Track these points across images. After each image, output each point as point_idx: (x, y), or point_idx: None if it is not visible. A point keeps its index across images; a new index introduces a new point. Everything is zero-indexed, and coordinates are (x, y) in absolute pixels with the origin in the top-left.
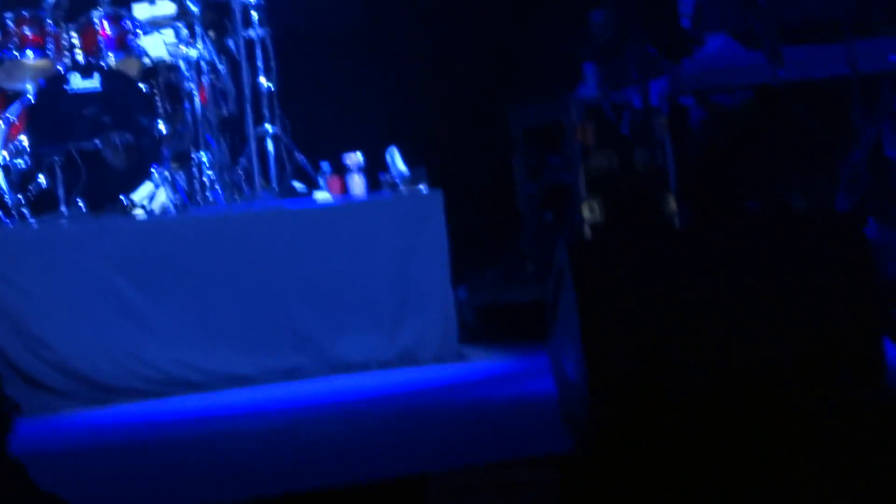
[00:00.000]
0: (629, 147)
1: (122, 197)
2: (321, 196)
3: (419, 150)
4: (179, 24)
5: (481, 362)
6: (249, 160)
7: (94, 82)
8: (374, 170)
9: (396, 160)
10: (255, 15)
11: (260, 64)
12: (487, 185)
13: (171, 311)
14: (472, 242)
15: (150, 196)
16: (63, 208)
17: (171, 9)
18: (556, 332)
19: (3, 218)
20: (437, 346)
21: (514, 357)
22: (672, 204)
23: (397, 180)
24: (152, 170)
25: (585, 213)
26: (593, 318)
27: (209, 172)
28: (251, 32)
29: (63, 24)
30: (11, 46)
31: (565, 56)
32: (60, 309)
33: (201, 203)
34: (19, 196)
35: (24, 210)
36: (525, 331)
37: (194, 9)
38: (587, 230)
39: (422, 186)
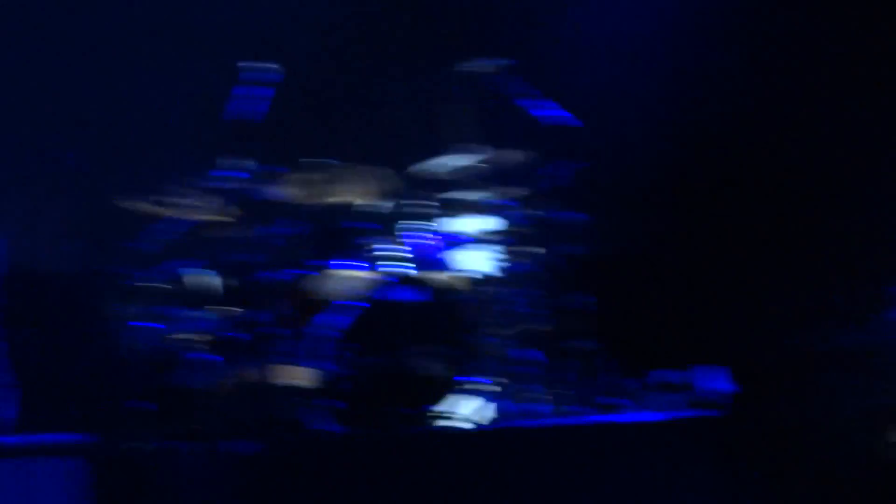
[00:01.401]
0: None
1: (440, 408)
2: (634, 409)
3: (738, 367)
4: (502, 240)
5: None
6: (570, 374)
7: (414, 293)
8: (687, 388)
9: (710, 379)
10: (574, 232)
11: (578, 279)
12: (804, 404)
13: None
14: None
15: (468, 407)
16: (383, 417)
17: (491, 224)
18: None
19: (323, 425)
20: None
21: None
22: None
23: (714, 396)
24: (470, 381)
25: None
26: None
27: (527, 385)
28: (571, 249)
29: (387, 236)
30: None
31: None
32: None
33: (524, 416)
34: (340, 404)
35: (344, 417)
36: None
37: (517, 226)
38: None
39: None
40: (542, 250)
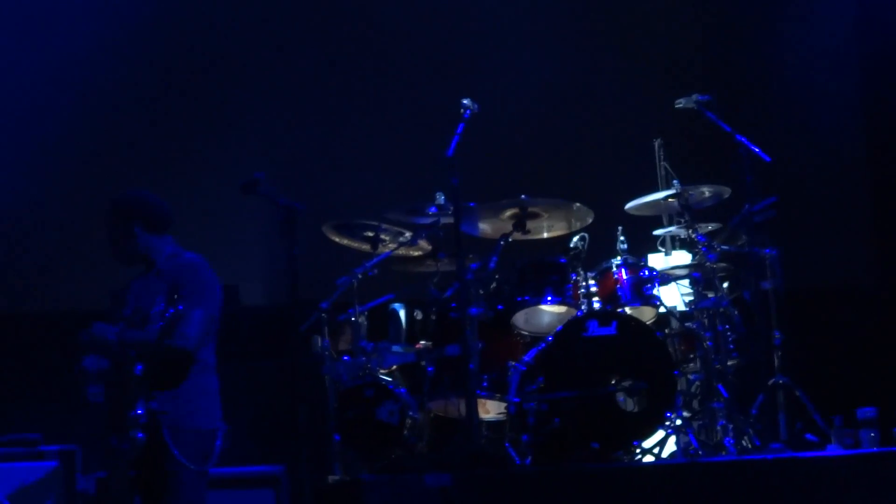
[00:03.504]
0: None
1: (634, 443)
2: (826, 446)
3: None
4: (695, 274)
5: None
6: (761, 411)
7: (609, 328)
8: (888, 425)
9: None
10: (769, 268)
11: (773, 314)
12: None
13: None
14: None
15: (662, 443)
16: (576, 452)
17: (686, 259)
18: None
19: (515, 458)
20: None
21: None
22: None
23: None
24: (666, 416)
25: None
26: None
27: (721, 421)
28: (766, 284)
29: (582, 272)
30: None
31: None
32: None
33: (713, 452)
34: (535, 438)
35: (538, 452)
36: None
37: (709, 261)
38: None
39: None
40: (736, 286)
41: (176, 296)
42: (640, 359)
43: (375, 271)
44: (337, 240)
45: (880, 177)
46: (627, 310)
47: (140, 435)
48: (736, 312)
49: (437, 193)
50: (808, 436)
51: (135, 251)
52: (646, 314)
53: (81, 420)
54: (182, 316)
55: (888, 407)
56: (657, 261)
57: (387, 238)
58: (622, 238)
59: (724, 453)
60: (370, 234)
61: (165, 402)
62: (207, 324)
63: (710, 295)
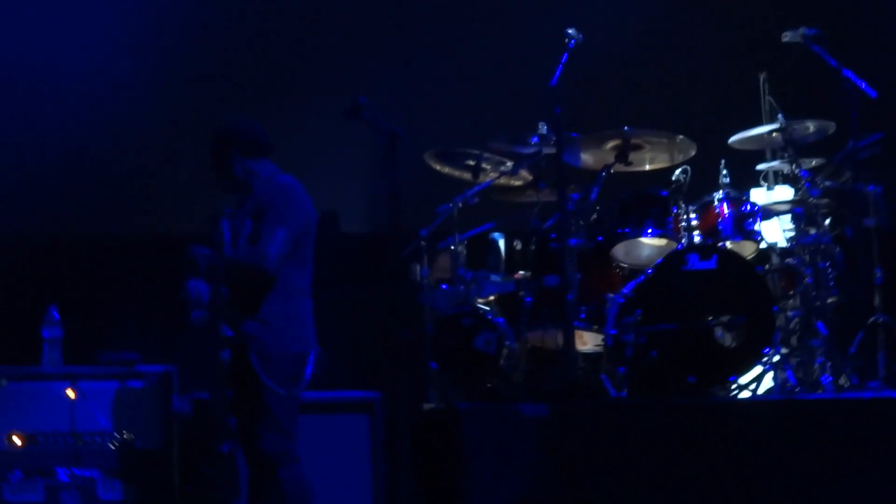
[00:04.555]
0: None
1: (731, 378)
2: None
3: None
4: (797, 210)
5: None
6: (859, 349)
7: (709, 262)
8: None
9: None
10: (872, 205)
11: (875, 252)
12: None
13: None
14: None
15: (759, 379)
16: (672, 385)
17: (788, 194)
18: None
19: (611, 391)
20: None
21: None
22: None
23: None
24: (763, 352)
25: None
26: None
27: (819, 359)
28: (868, 221)
29: (683, 205)
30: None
31: None
32: None
33: (810, 389)
34: (632, 371)
35: (634, 385)
36: None
37: (815, 197)
38: None
39: None
40: (837, 222)
41: (262, 217)
42: (739, 294)
43: (476, 200)
44: (438, 168)
45: None
46: (728, 244)
47: (226, 354)
48: (837, 249)
49: (540, 123)
50: None
51: (234, 176)
52: (746, 249)
53: (182, 341)
54: (264, 235)
55: None
56: (759, 195)
57: (488, 167)
58: (725, 172)
59: (821, 391)
60: (472, 162)
61: (254, 324)
62: (290, 244)
63: (812, 231)
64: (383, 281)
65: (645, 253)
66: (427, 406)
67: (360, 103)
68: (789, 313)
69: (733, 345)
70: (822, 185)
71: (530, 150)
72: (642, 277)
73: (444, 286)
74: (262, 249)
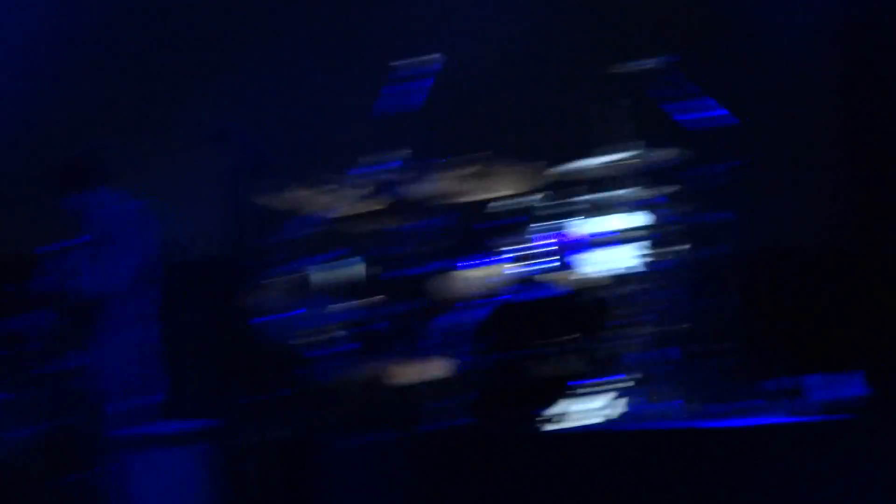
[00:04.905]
0: None
1: (581, 404)
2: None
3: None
4: (647, 238)
5: None
6: (707, 374)
7: (558, 290)
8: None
9: (846, 384)
10: (721, 231)
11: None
12: None
13: None
14: None
15: (611, 405)
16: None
17: (642, 221)
18: None
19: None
20: None
21: None
22: None
23: (843, 402)
24: (603, 381)
25: None
26: None
27: (661, 385)
28: (716, 248)
29: (536, 231)
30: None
31: None
32: None
33: (665, 415)
34: (471, 398)
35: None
36: None
37: (663, 224)
38: None
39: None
40: (686, 249)
41: (105, 246)
42: (591, 320)
43: (332, 225)
44: (296, 192)
45: (855, 136)
46: (576, 273)
47: (61, 386)
48: (689, 276)
49: (399, 149)
50: (751, 402)
51: (74, 205)
52: (594, 277)
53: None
54: (106, 264)
55: (858, 366)
56: (612, 222)
57: (345, 192)
58: (578, 198)
59: (675, 417)
60: (330, 187)
61: (98, 352)
62: (133, 271)
63: (664, 257)
64: (229, 307)
65: (496, 279)
66: (275, 435)
67: (226, 128)
68: (643, 338)
69: (585, 371)
70: (674, 212)
71: (388, 177)
72: (493, 304)
73: (294, 311)
74: (105, 278)
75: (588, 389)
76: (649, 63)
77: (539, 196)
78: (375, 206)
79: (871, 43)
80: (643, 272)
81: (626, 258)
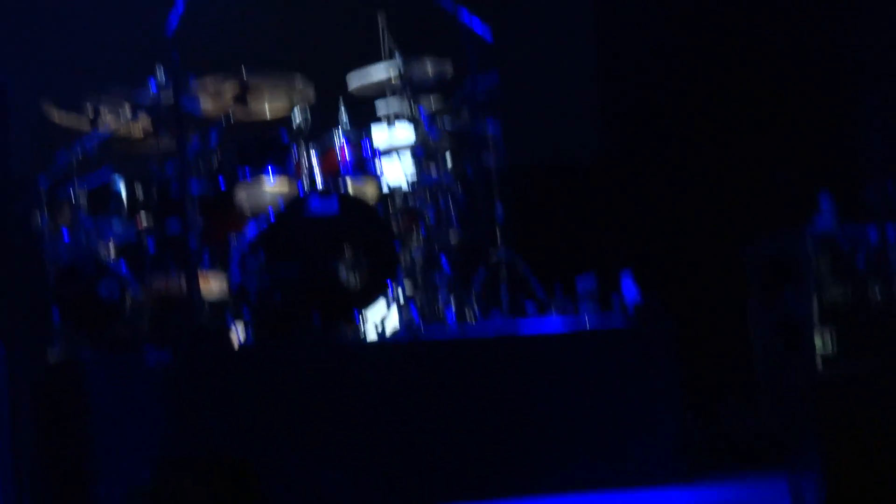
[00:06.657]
0: (863, 280)
1: (354, 311)
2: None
3: (652, 277)
4: (417, 150)
5: (713, 489)
6: (483, 284)
7: (331, 205)
8: (607, 293)
9: (629, 285)
10: (491, 144)
11: (495, 190)
12: (719, 314)
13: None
14: (705, 371)
15: (384, 317)
16: (295, 327)
17: (409, 134)
18: (796, 463)
19: (238, 335)
20: (664, 473)
21: (746, 484)
22: None
23: (629, 305)
24: (386, 291)
25: (818, 344)
26: (836, 453)
27: (444, 295)
28: (488, 160)
29: (304, 147)
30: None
31: (801, 187)
32: None
33: (434, 324)
34: (254, 315)
35: (257, 329)
36: (757, 459)
37: (431, 137)
38: (819, 362)
39: (653, 314)
40: (457, 161)
41: None
42: (362, 234)
43: (96, 148)
44: (56, 116)
45: (605, 53)
46: (350, 185)
47: None
48: (458, 188)
49: (157, 68)
50: (527, 308)
51: None
52: (368, 190)
53: None
54: None
55: (607, 275)
56: (380, 136)
57: (107, 114)
58: (344, 112)
59: (446, 326)
60: (90, 109)
61: None
62: None
63: (433, 171)
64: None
65: (267, 197)
66: (51, 356)
67: None
68: (413, 252)
69: (358, 284)
70: (441, 126)
71: (148, 98)
72: (265, 222)
73: (64, 234)
74: None
75: (364, 302)
76: None
77: (302, 112)
78: (138, 126)
79: None
80: (419, 185)
81: (401, 171)
